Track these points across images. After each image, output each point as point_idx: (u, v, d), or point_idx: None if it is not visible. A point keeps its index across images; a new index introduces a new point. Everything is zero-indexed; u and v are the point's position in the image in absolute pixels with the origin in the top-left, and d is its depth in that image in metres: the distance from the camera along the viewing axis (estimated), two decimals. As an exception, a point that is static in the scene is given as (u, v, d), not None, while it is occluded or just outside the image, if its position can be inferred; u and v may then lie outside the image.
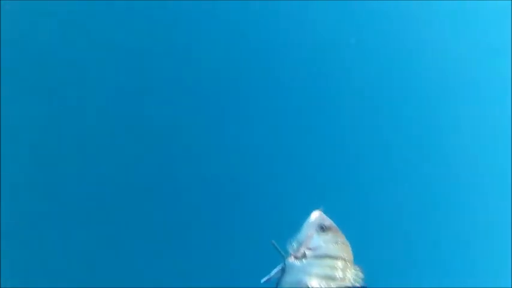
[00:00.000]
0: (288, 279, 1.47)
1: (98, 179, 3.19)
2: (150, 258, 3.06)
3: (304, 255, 1.50)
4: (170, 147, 3.40)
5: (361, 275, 1.48)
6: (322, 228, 1.56)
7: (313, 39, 3.92)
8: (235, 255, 3.08)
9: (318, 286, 1.39)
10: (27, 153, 3.14)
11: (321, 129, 3.75)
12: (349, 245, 1.56)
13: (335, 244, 1.54)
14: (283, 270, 1.49)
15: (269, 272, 1.56)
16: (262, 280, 1.51)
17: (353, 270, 1.48)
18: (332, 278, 1.41)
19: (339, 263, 1.49)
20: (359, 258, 1.53)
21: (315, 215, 1.65)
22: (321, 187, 3.48)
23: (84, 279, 2.90)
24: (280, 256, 1.52)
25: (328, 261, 1.49)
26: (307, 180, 3.48)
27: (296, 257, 1.49)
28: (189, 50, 3.68)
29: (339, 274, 1.45)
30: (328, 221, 1.60)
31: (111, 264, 3.00)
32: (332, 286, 1.38)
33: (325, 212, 1.67)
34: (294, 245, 1.53)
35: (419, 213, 3.56)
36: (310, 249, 1.50)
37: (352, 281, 1.41)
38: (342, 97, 3.81)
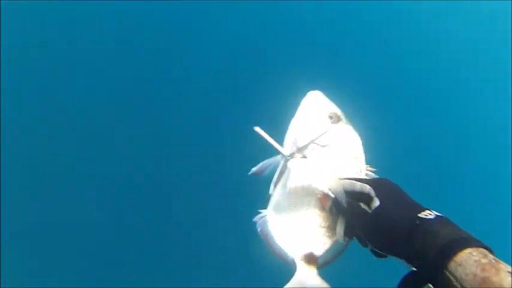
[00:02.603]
0: (294, 181, 1.15)
1: (98, 179, 3.19)
2: (150, 259, 3.06)
3: (311, 153, 1.18)
4: (167, 148, 3.40)
5: (373, 174, 1.22)
6: (331, 118, 1.24)
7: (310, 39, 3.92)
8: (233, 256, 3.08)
9: (335, 191, 1.11)
10: (27, 152, 3.14)
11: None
12: (359, 136, 1.26)
13: (346, 138, 1.23)
14: (283, 169, 1.18)
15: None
16: (251, 171, 1.21)
17: (366, 168, 1.22)
18: (347, 181, 1.11)
19: (354, 162, 1.20)
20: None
21: (316, 98, 1.27)
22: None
23: (84, 279, 2.91)
24: (276, 149, 1.18)
25: (342, 161, 1.19)
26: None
27: (303, 156, 1.17)
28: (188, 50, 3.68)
29: (355, 175, 1.17)
30: (334, 107, 1.27)
31: (111, 264, 3.00)
32: (353, 189, 1.08)
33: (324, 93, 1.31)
34: (298, 139, 1.20)
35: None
36: (319, 144, 1.18)
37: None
38: (340, 96, 3.80)
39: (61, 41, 3.40)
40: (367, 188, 1.05)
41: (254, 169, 1.20)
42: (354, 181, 1.10)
